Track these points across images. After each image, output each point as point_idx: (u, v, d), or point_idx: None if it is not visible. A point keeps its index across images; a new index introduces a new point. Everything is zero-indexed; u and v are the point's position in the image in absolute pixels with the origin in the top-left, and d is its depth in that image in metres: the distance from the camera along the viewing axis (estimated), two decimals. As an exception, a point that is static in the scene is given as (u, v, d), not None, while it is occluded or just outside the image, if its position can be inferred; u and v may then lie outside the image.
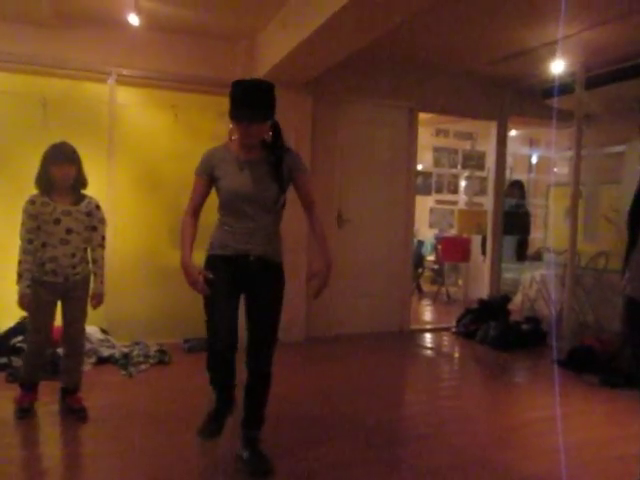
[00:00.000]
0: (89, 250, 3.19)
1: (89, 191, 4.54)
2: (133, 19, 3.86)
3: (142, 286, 4.87)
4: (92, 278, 3.22)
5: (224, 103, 4.89)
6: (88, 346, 4.18)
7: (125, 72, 4.63)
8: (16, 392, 3.23)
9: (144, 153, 4.85)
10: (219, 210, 2.55)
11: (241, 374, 2.54)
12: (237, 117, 2.38)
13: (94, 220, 3.17)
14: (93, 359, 4.14)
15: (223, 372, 2.52)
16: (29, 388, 3.21)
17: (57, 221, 3.03)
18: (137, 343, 4.48)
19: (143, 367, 4.12)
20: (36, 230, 3.02)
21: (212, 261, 2.50)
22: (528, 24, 4.31)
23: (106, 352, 4.23)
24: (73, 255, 3.07)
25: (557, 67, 4.86)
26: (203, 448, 2.77)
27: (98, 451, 2.82)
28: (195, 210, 2.54)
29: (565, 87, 5.14)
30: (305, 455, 2.79)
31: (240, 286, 2.51)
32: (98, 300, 3.21)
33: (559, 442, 3.00)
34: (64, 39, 4.44)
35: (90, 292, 3.20)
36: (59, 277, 3.05)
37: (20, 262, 3.01)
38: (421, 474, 2.66)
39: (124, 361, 4.15)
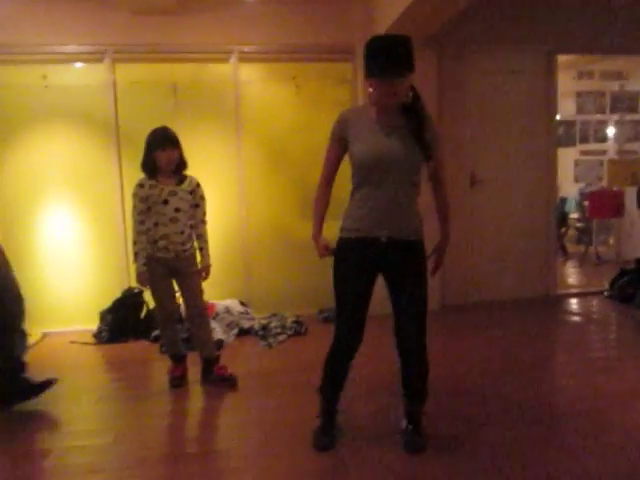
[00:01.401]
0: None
1: (222, 167, 4.81)
2: (249, -7, 3.85)
3: (276, 259, 4.98)
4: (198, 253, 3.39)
5: (344, 69, 4.92)
6: (230, 318, 4.40)
7: (245, 49, 4.69)
8: (168, 364, 3.47)
9: (269, 127, 4.90)
10: (354, 181, 2.37)
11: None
12: (379, 73, 2.16)
13: (196, 197, 3.32)
14: (235, 331, 4.34)
15: (338, 370, 2.50)
16: (177, 359, 3.44)
17: (165, 202, 3.19)
18: (274, 315, 4.62)
19: (281, 338, 4.23)
20: (146, 211, 3.21)
21: (342, 245, 2.40)
22: None
23: (246, 324, 4.41)
24: (182, 232, 3.24)
25: None
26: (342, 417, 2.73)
27: (241, 420, 2.91)
28: (328, 179, 2.45)
29: None
30: (455, 431, 2.66)
31: (376, 269, 2.41)
32: (207, 272, 3.38)
33: None
34: (186, 25, 4.58)
35: (199, 266, 3.36)
36: (170, 253, 3.23)
37: (135, 242, 3.24)
38: (587, 454, 2.41)
39: (263, 332, 4.30)
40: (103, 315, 4.44)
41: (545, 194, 5.36)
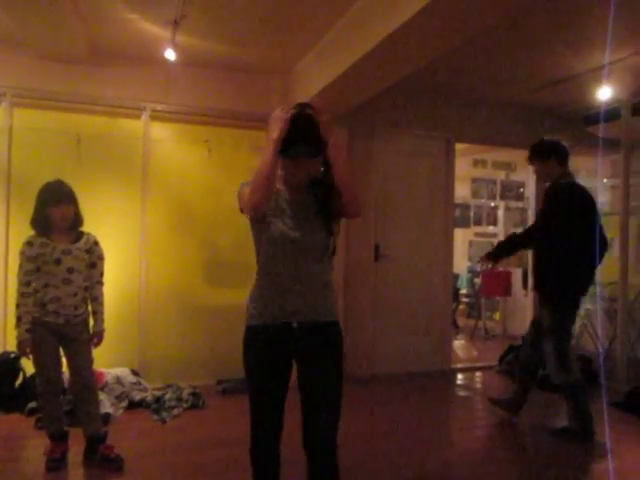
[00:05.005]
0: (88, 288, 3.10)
1: (124, 226, 4.55)
2: (170, 54, 3.81)
3: (174, 326, 4.69)
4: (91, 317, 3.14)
5: (258, 137, 4.92)
6: (120, 390, 4.04)
7: (159, 107, 4.59)
8: (46, 442, 3.07)
9: (178, 188, 4.75)
10: (259, 262, 2.11)
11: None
12: (290, 153, 1.98)
13: (93, 257, 3.10)
14: (125, 403, 3.97)
15: (262, 465, 2.15)
16: (58, 437, 3.05)
17: (58, 261, 2.95)
18: (169, 385, 4.31)
19: (176, 412, 3.92)
20: (35, 272, 2.94)
21: (250, 335, 2.11)
22: (574, 50, 4.15)
23: (138, 396, 4.05)
24: (75, 294, 3.01)
25: (603, 93, 4.66)
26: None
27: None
28: None
29: (610, 113, 4.94)
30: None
31: (290, 357, 2.10)
32: (99, 338, 3.13)
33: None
34: (98, 76, 4.42)
35: (91, 331, 3.12)
36: (60, 318, 2.97)
37: (18, 305, 2.93)
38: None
39: (156, 405, 3.97)
40: (-32, 384, 3.90)
41: (442, 271, 5.61)
